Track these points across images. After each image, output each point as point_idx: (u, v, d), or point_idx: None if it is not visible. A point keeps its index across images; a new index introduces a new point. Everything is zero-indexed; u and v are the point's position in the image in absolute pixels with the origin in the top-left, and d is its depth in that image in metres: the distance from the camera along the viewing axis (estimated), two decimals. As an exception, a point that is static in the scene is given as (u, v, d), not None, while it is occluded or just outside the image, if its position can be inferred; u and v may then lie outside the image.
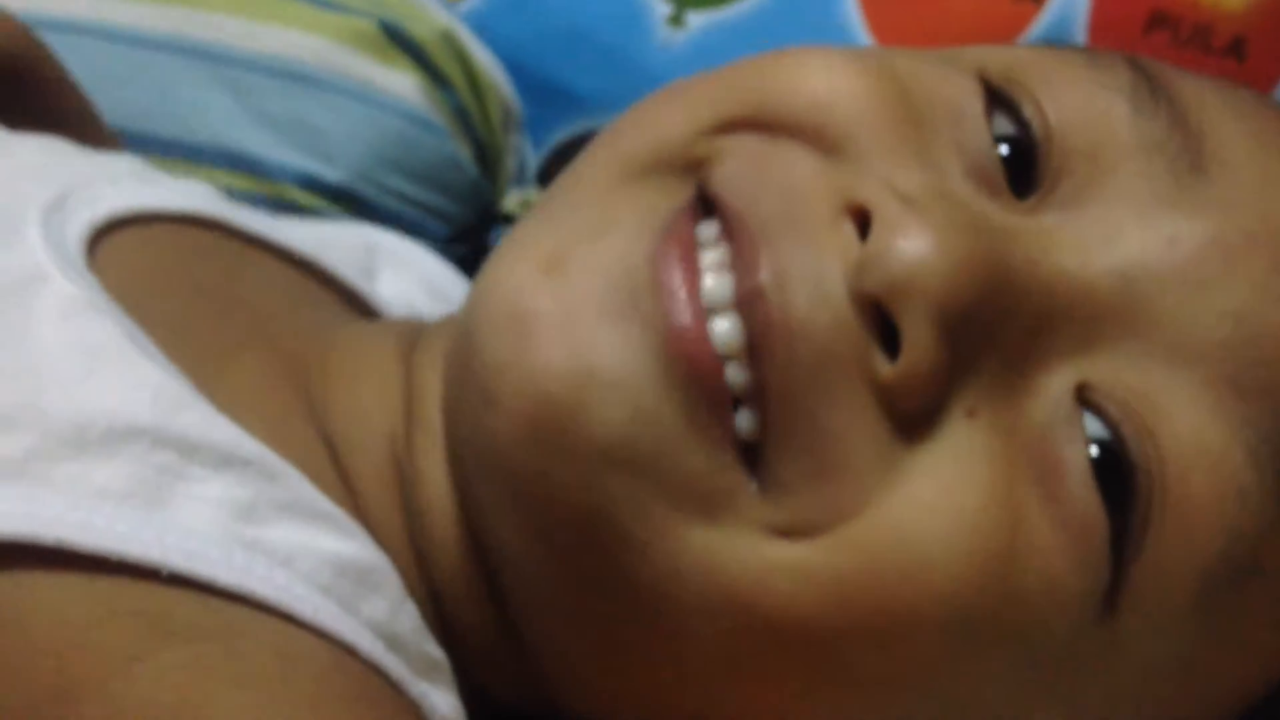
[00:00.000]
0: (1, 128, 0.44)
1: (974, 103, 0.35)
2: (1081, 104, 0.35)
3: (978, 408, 0.32)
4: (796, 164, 0.33)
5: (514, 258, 0.34)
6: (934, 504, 0.31)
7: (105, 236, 0.38)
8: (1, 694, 0.27)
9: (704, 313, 0.31)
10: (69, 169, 0.42)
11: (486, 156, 0.66)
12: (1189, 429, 0.32)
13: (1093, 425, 0.32)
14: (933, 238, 0.31)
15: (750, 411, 0.32)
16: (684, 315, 0.31)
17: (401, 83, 0.62)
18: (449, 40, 0.65)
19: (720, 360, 0.31)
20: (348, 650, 0.31)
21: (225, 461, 0.32)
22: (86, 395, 0.32)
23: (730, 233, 0.33)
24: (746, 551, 0.31)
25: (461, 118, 0.64)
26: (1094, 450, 0.32)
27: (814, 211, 0.32)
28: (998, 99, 0.35)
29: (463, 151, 0.64)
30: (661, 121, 0.36)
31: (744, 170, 0.34)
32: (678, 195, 0.34)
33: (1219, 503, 0.32)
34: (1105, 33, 0.65)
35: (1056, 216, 0.34)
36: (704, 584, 0.31)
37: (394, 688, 0.32)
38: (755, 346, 0.31)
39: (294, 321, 0.41)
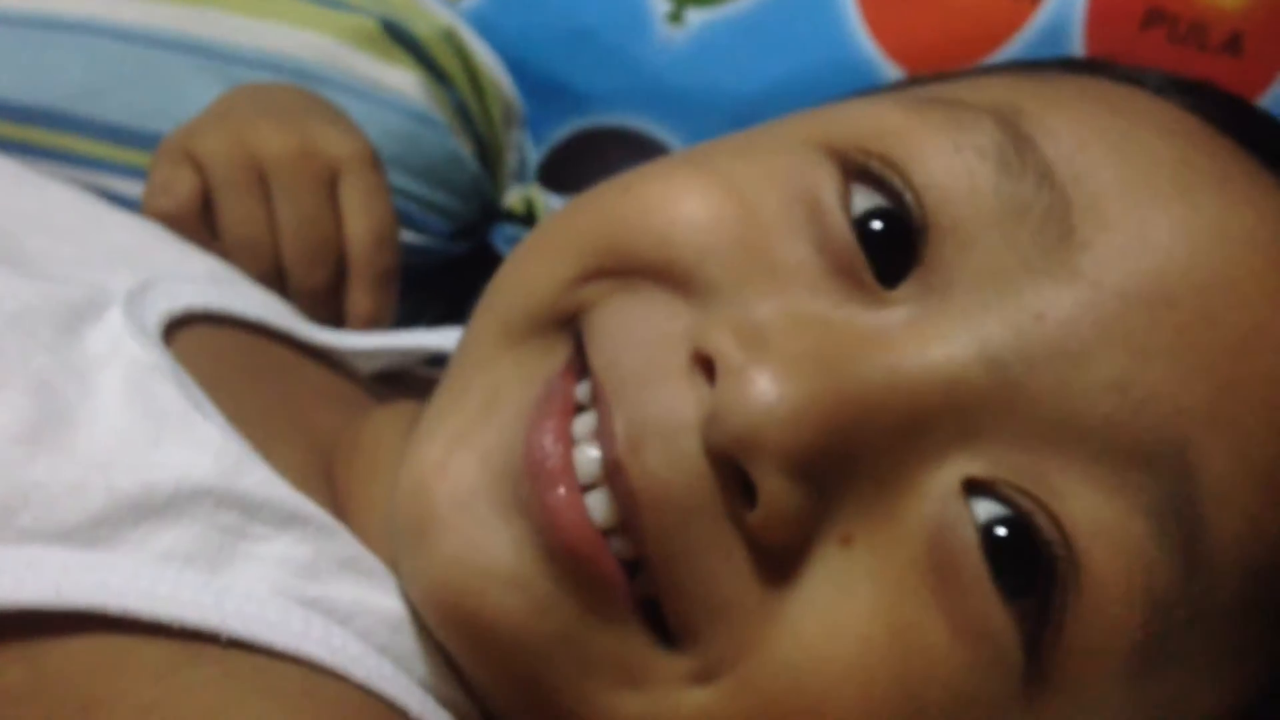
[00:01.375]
0: (102, 201, 0.46)
1: (830, 192, 0.33)
2: (946, 173, 0.33)
3: (852, 533, 0.31)
4: (651, 312, 0.33)
5: (420, 446, 0.34)
6: (816, 639, 0.31)
7: (178, 329, 0.40)
8: None
9: (579, 496, 0.31)
10: (154, 259, 0.45)
11: (488, 153, 0.66)
12: (1085, 508, 0.31)
13: (993, 512, 0.31)
14: (773, 385, 0.30)
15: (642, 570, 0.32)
16: (559, 504, 0.31)
17: (403, 80, 0.62)
18: (450, 38, 0.65)
19: (602, 541, 0.31)
20: (399, 712, 0.32)
21: (288, 519, 0.33)
22: (151, 458, 0.33)
23: (597, 400, 0.32)
24: (671, 704, 0.32)
25: (463, 114, 0.65)
26: (1001, 530, 0.31)
27: (667, 364, 0.32)
28: (863, 176, 0.34)
29: (464, 148, 0.64)
30: (527, 279, 0.35)
31: (606, 323, 0.33)
32: (558, 354, 0.34)
33: (1127, 578, 0.31)
34: (1102, 29, 0.65)
35: (920, 306, 0.32)
36: None
37: None
38: (624, 512, 0.31)
39: (325, 420, 0.42)
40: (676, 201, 0.34)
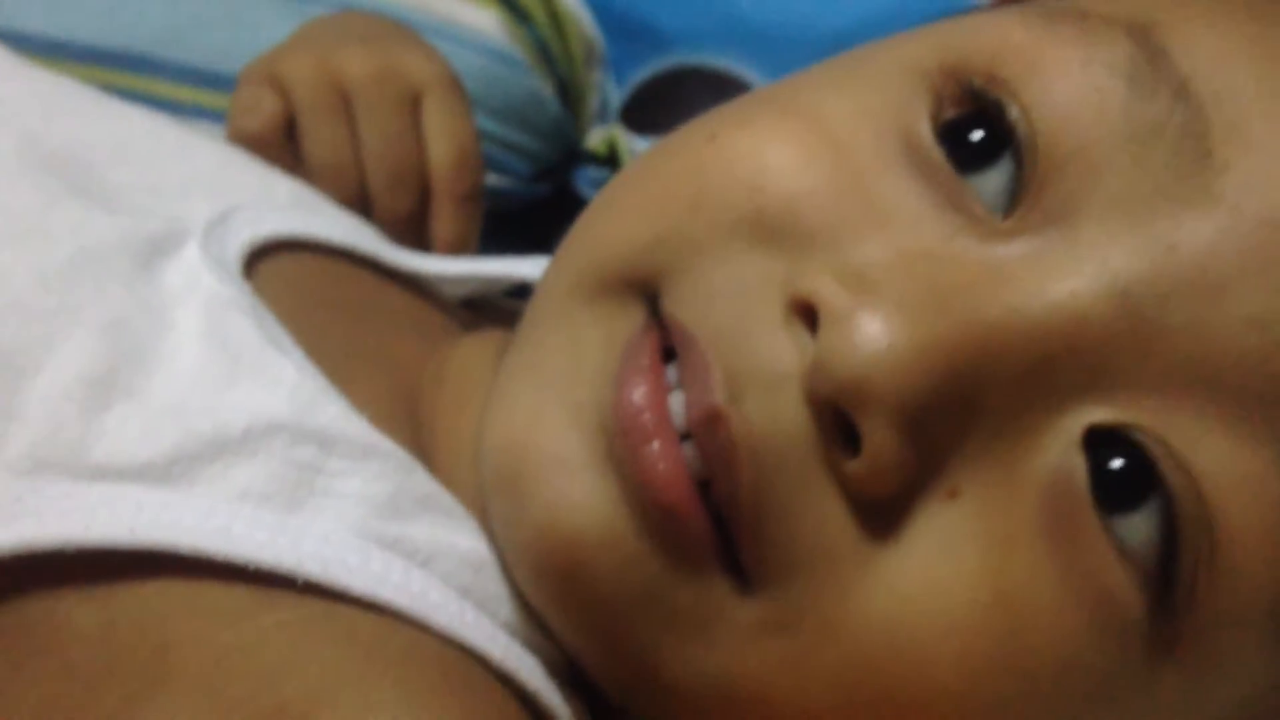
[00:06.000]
0: (186, 130, 0.46)
1: (923, 122, 0.31)
2: (1071, 93, 0.30)
3: (960, 487, 0.29)
4: (740, 268, 0.31)
5: (506, 399, 0.33)
6: (914, 595, 0.29)
7: (262, 257, 0.40)
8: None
9: (678, 449, 0.30)
10: (239, 185, 0.44)
11: (569, 93, 0.65)
12: (1219, 457, 0.29)
13: (1116, 464, 0.29)
14: (883, 329, 0.28)
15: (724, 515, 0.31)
16: (655, 458, 0.30)
17: (483, 18, 0.62)
18: (531, -25, 0.64)
19: (696, 497, 0.30)
20: (480, 660, 0.31)
21: (366, 453, 0.33)
22: (226, 397, 0.32)
23: (682, 352, 0.31)
24: (743, 655, 0.31)
25: (543, 53, 0.64)
26: (1125, 484, 0.29)
27: (762, 314, 0.30)
28: (965, 100, 0.32)
29: (545, 88, 0.63)
30: (604, 236, 0.34)
31: (691, 283, 0.32)
32: (634, 314, 0.32)
33: (1266, 534, 0.29)
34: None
35: (1041, 238, 0.30)
36: (724, 691, 0.31)
37: (522, 700, 0.32)
38: (719, 465, 0.30)
39: (409, 349, 0.41)
40: (763, 149, 0.32)
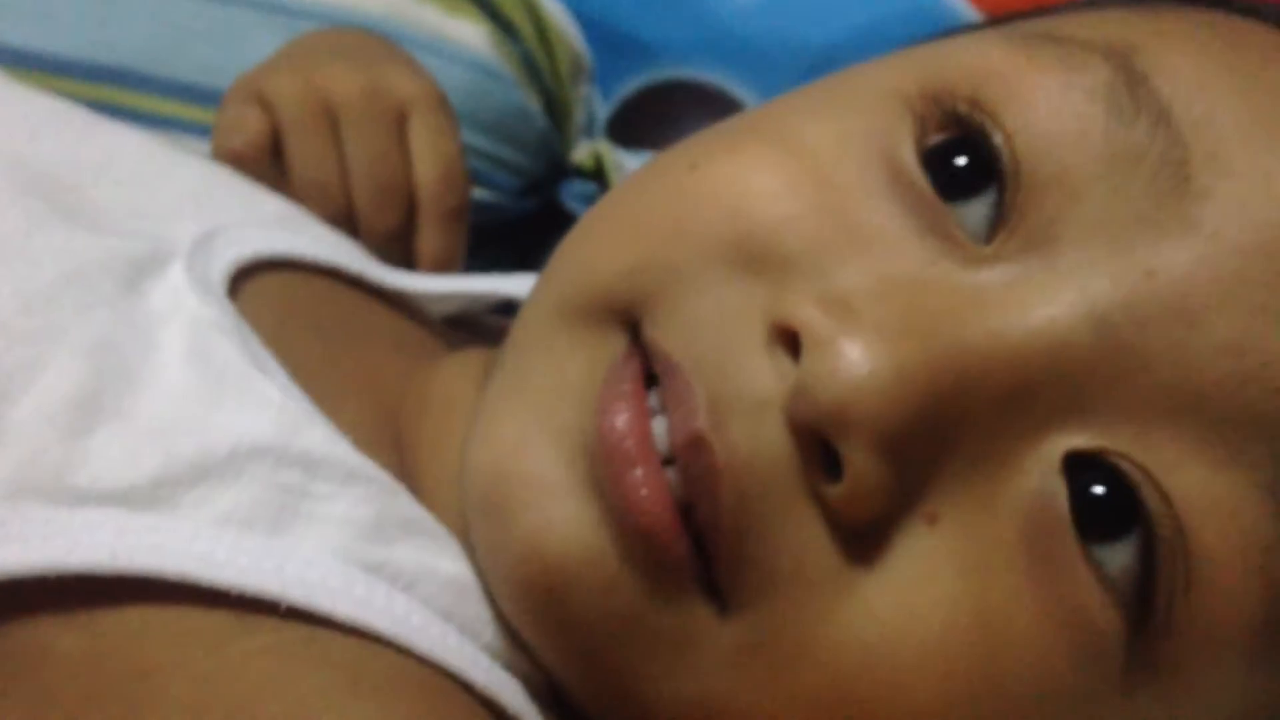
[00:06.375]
0: (173, 149, 0.46)
1: (910, 148, 0.32)
2: (1052, 118, 0.31)
3: (940, 511, 0.29)
4: (722, 294, 0.31)
5: (490, 423, 0.33)
6: (893, 619, 0.29)
7: (247, 276, 0.40)
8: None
9: (661, 474, 0.30)
10: (225, 204, 0.44)
11: (555, 107, 0.66)
12: (1196, 482, 0.29)
13: (1093, 489, 0.29)
14: (865, 355, 0.28)
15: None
16: (637, 484, 0.30)
17: (470, 33, 0.62)
18: (518, -10, 0.64)
19: (678, 523, 0.30)
20: (463, 684, 0.31)
21: (350, 476, 0.33)
22: (210, 420, 0.32)
23: (665, 378, 0.31)
24: (722, 678, 0.31)
25: (530, 68, 0.64)
26: (1102, 509, 0.29)
27: (744, 340, 0.30)
28: (947, 125, 0.32)
29: (531, 102, 0.63)
30: (587, 261, 0.34)
31: (673, 310, 0.32)
32: (616, 339, 0.32)
33: (1243, 560, 0.29)
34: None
35: (1021, 264, 0.30)
36: (703, 713, 0.31)
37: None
38: (701, 489, 0.30)
39: (394, 367, 0.41)
40: (744, 176, 0.32)
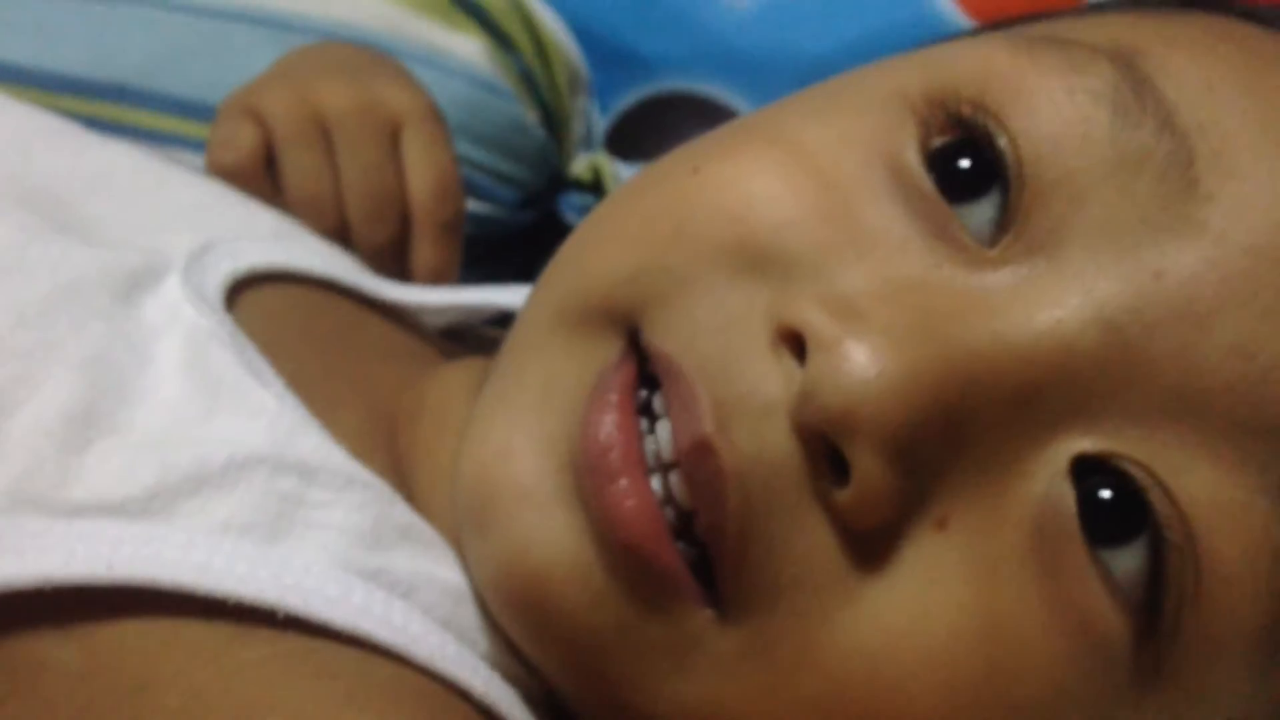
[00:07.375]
0: (167, 164, 0.46)
1: (913, 150, 0.31)
2: (1056, 121, 0.30)
3: (949, 516, 0.29)
4: (724, 298, 0.31)
5: (480, 429, 0.33)
6: (899, 625, 0.29)
7: (243, 289, 0.40)
8: None
9: (646, 486, 0.30)
10: (219, 219, 0.44)
11: (554, 121, 0.65)
12: (1204, 485, 0.28)
13: (1101, 493, 0.29)
14: (871, 358, 0.28)
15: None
16: (620, 496, 0.30)
17: (468, 47, 0.62)
18: (515, 4, 0.64)
19: (665, 535, 0.30)
20: (461, 693, 0.31)
21: (347, 483, 0.32)
22: (207, 426, 0.32)
23: (667, 382, 0.31)
24: (723, 684, 0.30)
25: (528, 82, 0.64)
26: (1110, 513, 0.29)
27: (748, 344, 0.30)
28: (951, 127, 0.32)
29: (530, 115, 0.63)
30: (585, 266, 0.34)
31: (673, 314, 0.31)
32: (611, 345, 0.32)
33: (1251, 565, 0.28)
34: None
35: (1027, 266, 0.30)
36: (704, 715, 0.31)
37: None
38: (706, 494, 0.30)
39: (390, 378, 0.41)
40: (746, 178, 0.32)
